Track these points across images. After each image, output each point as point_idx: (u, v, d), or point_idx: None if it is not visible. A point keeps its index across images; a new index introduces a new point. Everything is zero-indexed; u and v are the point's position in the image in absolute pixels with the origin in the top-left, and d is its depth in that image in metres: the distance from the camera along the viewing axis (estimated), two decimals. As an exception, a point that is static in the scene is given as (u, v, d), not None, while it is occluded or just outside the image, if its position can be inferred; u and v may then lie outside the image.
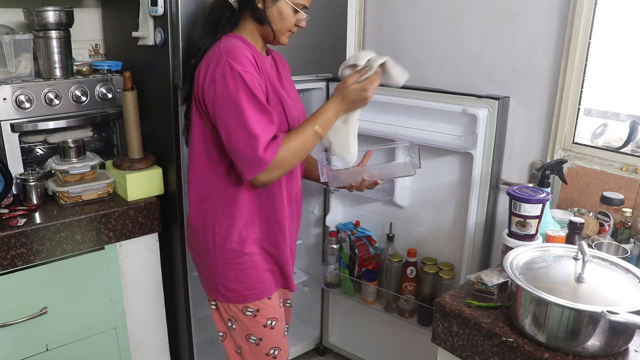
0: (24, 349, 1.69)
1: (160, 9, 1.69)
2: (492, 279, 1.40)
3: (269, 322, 1.58)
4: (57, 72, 1.88)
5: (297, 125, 1.51)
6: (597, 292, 1.20)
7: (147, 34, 1.77)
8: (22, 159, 1.81)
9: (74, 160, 1.82)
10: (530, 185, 1.65)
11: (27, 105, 1.77)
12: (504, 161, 1.97)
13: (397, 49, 2.27)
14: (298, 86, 1.80)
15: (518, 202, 1.49)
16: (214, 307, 1.63)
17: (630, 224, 1.59)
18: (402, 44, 2.25)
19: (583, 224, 1.52)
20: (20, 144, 1.79)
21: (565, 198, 1.84)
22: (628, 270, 1.29)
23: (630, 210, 1.61)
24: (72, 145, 1.82)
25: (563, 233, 1.53)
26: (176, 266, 1.99)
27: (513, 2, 1.89)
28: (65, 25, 1.87)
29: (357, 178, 1.61)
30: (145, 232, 1.87)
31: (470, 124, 1.88)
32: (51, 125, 1.84)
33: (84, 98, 1.89)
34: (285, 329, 1.68)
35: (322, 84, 2.18)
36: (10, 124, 1.74)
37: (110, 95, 1.95)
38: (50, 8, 1.82)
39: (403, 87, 2.06)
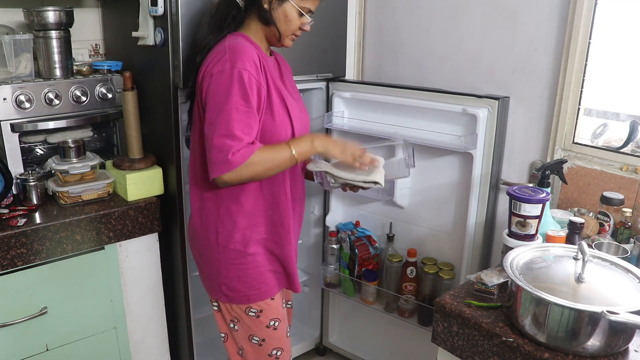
0: (24, 349, 1.69)
1: (160, 9, 1.69)
2: (492, 279, 1.40)
3: (272, 322, 1.58)
4: (57, 72, 1.88)
5: (300, 125, 1.52)
6: (597, 292, 1.20)
7: (147, 34, 1.77)
8: (22, 159, 1.81)
9: (74, 160, 1.82)
10: (530, 185, 1.65)
11: (27, 105, 1.77)
12: (504, 161, 1.97)
13: (397, 49, 2.27)
14: (298, 86, 1.80)
15: (518, 202, 1.49)
16: (215, 308, 1.63)
17: (630, 224, 1.59)
18: (402, 44, 2.25)
19: (583, 224, 1.52)
20: (20, 144, 1.79)
21: (565, 198, 1.84)
22: (628, 270, 1.29)
23: (630, 210, 1.61)
24: (72, 145, 1.82)
25: (563, 233, 1.53)
26: (176, 266, 1.99)
27: (513, 2, 1.89)
28: (65, 25, 1.87)
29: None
30: (145, 232, 1.87)
31: (470, 124, 1.88)
32: (51, 125, 1.83)
33: (84, 98, 1.89)
34: (287, 329, 1.68)
35: (322, 84, 2.18)
36: (10, 124, 1.74)
37: (110, 95, 1.95)
38: (50, 8, 1.82)
39: (403, 87, 2.08)
